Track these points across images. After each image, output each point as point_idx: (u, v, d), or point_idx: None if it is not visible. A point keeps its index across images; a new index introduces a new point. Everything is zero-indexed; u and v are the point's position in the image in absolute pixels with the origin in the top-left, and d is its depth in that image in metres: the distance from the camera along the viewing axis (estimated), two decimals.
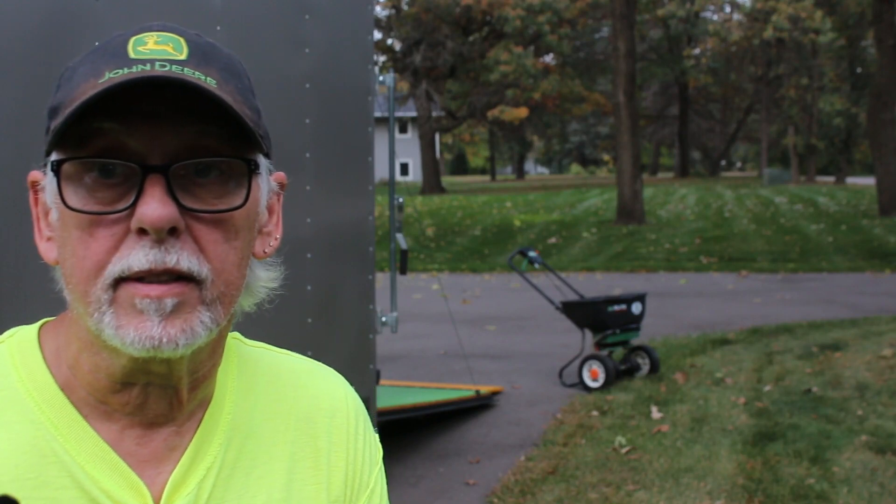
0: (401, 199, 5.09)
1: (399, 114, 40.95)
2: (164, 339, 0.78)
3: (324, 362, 1.07)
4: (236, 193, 0.82)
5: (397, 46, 40.00)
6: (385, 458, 1.06)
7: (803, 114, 45.37)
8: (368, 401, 4.16)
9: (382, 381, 5.42)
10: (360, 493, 0.99)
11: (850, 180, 44.82)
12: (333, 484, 0.96)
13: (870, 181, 35.29)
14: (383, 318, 4.69)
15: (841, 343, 8.20)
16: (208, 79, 0.80)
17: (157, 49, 0.81)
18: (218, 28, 3.17)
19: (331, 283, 3.88)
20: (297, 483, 0.94)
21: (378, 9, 36.94)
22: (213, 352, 0.88)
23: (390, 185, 5.19)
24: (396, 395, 5.92)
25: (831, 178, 46.77)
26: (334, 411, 0.99)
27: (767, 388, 6.63)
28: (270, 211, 0.91)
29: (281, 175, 0.92)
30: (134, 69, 0.78)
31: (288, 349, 1.05)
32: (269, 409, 0.95)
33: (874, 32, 24.33)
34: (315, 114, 3.74)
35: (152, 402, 0.85)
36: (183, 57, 0.81)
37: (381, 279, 5.89)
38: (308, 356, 1.05)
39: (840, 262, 15.60)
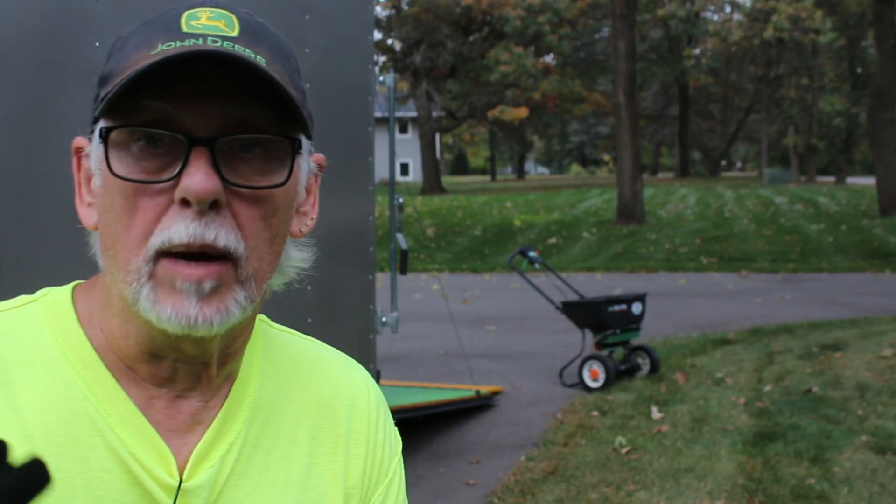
0: (401, 199, 5.09)
1: (399, 114, 40.88)
2: (200, 319, 0.79)
3: None
4: (278, 171, 0.82)
5: (397, 46, 40.01)
6: None
7: (803, 114, 45.37)
8: None
9: (382, 381, 5.42)
10: (379, 482, 0.99)
11: (851, 180, 44.81)
12: (351, 471, 0.97)
13: (870, 181, 35.28)
14: (383, 318, 4.69)
15: (841, 343, 8.20)
16: (258, 57, 0.80)
17: (209, 25, 0.81)
18: None
19: (331, 283, 3.88)
20: (315, 467, 0.94)
21: (378, 9, 36.93)
22: (244, 329, 0.89)
23: (390, 185, 5.19)
24: (396, 395, 5.91)
25: (831, 179, 46.76)
26: (355, 400, 1.00)
27: (767, 388, 6.63)
28: (308, 191, 0.91)
29: (320, 157, 0.93)
30: (187, 42, 0.79)
31: None
32: (291, 391, 0.96)
33: (874, 32, 24.33)
34: (315, 114, 3.73)
35: (181, 376, 0.86)
36: (234, 34, 0.81)
37: (382, 279, 5.89)
38: None
39: (840, 262, 15.60)
